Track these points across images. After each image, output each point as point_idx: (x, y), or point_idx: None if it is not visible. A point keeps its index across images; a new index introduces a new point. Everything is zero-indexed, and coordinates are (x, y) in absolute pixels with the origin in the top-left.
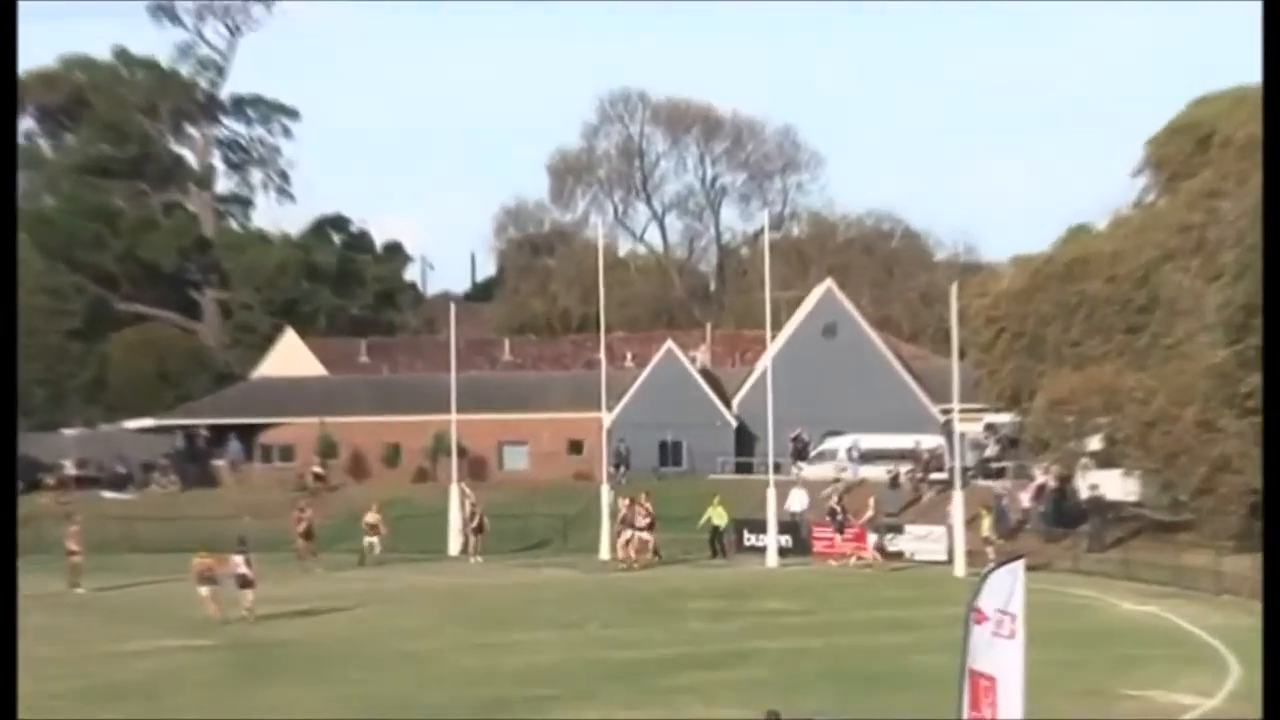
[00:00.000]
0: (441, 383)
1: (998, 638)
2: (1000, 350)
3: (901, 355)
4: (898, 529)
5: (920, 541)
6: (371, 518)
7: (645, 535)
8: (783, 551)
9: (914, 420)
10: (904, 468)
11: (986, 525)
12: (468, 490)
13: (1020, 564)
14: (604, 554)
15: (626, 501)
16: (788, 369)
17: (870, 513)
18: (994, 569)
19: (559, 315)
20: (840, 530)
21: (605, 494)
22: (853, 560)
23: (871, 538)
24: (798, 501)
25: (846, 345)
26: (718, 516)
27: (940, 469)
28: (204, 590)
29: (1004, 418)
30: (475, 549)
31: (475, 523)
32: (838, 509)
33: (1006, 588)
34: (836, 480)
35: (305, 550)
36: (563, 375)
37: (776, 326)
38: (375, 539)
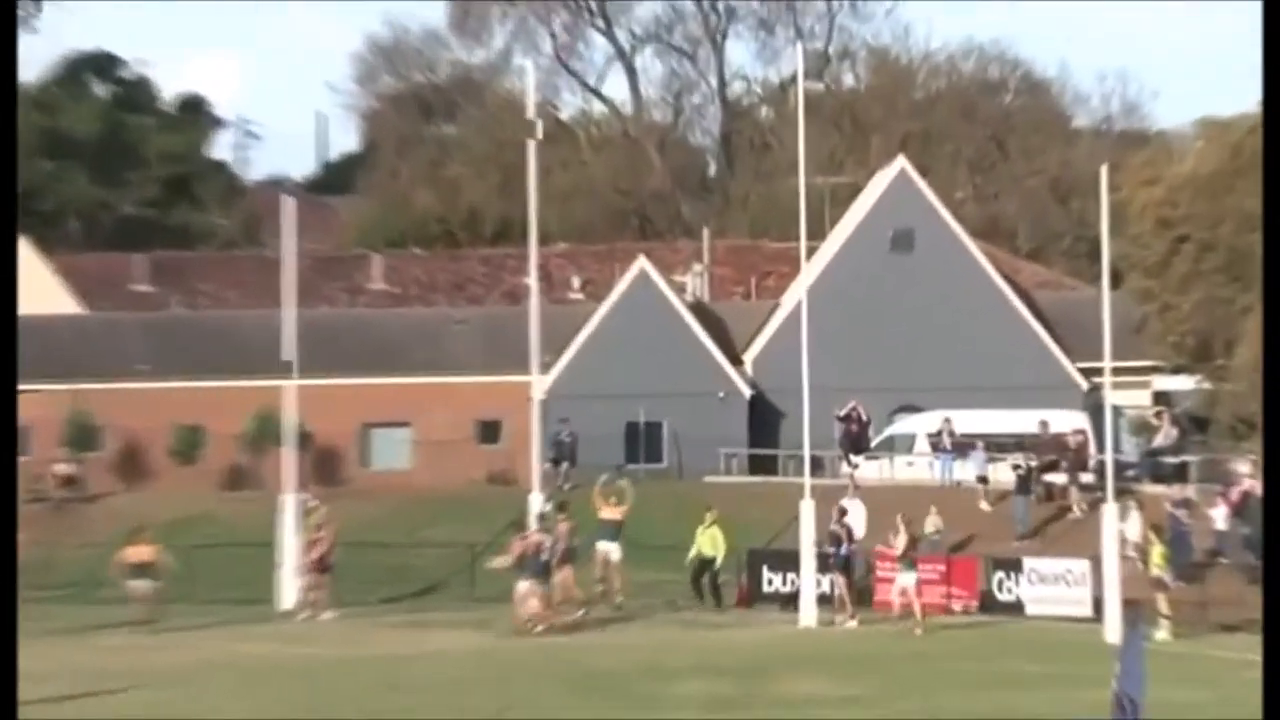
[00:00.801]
0: (269, 326)
1: None
2: (1180, 273)
3: (1018, 282)
4: (1011, 566)
5: (1048, 585)
6: (139, 553)
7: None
8: (825, 600)
9: (1039, 387)
10: (1033, 462)
11: (1157, 558)
12: (313, 502)
13: (1139, 613)
14: (534, 603)
15: (522, 537)
16: (835, 303)
17: (902, 538)
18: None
19: (463, 216)
20: (845, 569)
21: (536, 506)
22: (849, 622)
23: (905, 579)
24: (851, 520)
25: (929, 264)
26: (710, 545)
27: (1083, 466)
28: None
29: (1184, 382)
30: (321, 599)
31: (320, 555)
32: (839, 531)
33: (1132, 656)
34: (982, 481)
35: None
36: (469, 314)
37: (817, 235)
38: (146, 584)
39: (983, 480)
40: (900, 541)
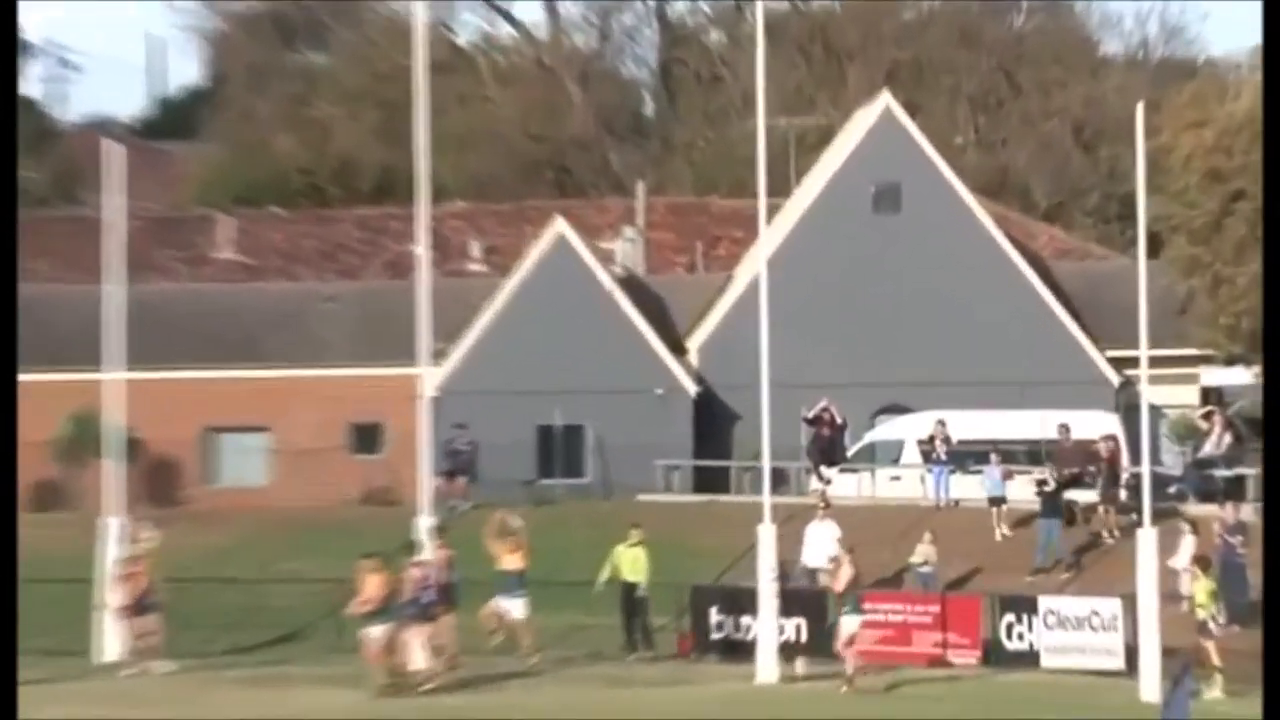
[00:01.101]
0: (89, 304)
1: None
2: (1235, 237)
3: (1033, 249)
4: (1023, 606)
5: (1070, 631)
6: None
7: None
8: (790, 650)
9: (1059, 382)
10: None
11: (1202, 596)
12: (144, 530)
13: (1184, 665)
14: (419, 657)
15: (406, 567)
16: (803, 277)
17: (845, 571)
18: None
19: (334, 167)
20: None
21: (424, 530)
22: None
23: (849, 623)
24: (821, 547)
25: (921, 227)
26: (631, 568)
27: (1115, 480)
28: None
29: (1240, 375)
30: (150, 647)
31: (136, 597)
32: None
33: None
34: (997, 502)
35: None
36: (342, 290)
37: (781, 191)
38: None
39: (998, 501)
40: (844, 575)
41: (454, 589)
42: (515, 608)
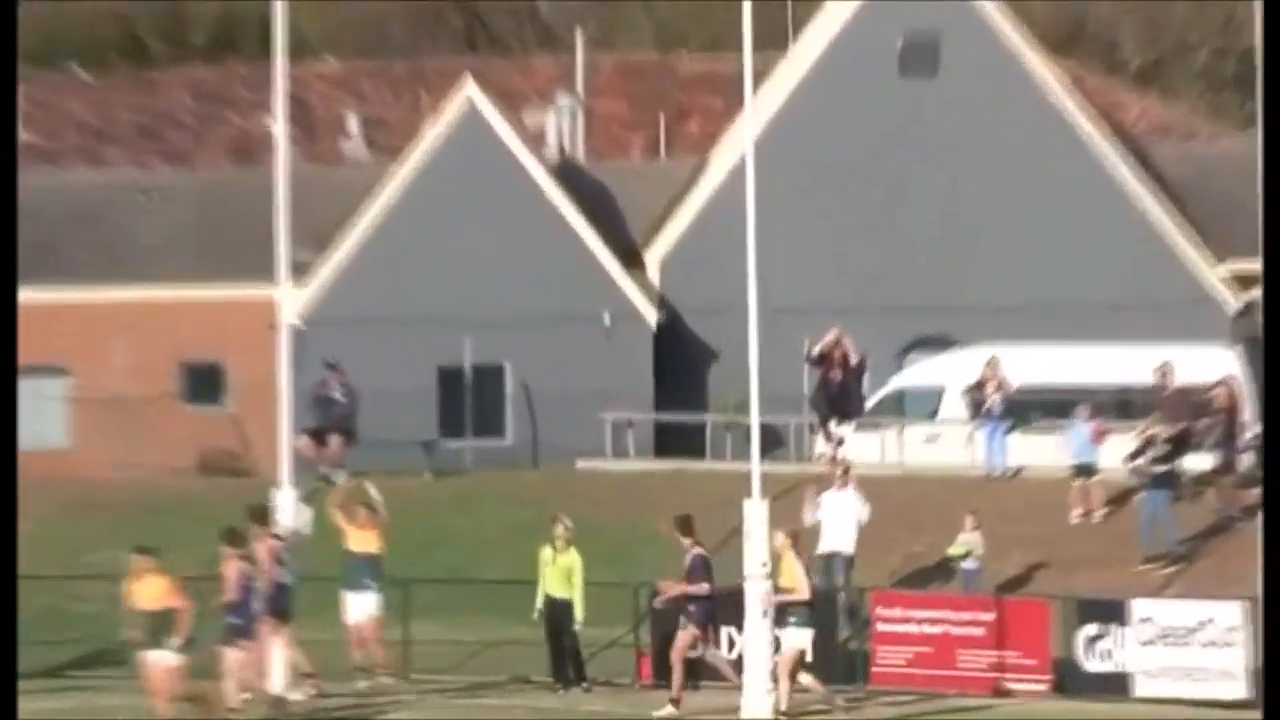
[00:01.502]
0: None
1: None
2: None
3: (1121, 124)
4: (1109, 613)
5: (1173, 646)
6: None
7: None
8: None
9: (1157, 305)
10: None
11: None
12: None
13: None
14: (281, 674)
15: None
16: (804, 164)
17: (793, 571)
18: None
19: (158, 13)
20: (704, 623)
21: (291, 509)
22: (667, 709)
23: (796, 637)
24: (844, 525)
25: (964, 95)
26: (563, 582)
27: (1235, 439)
28: None
29: None
30: None
31: None
32: (697, 557)
33: None
34: (1085, 472)
35: None
36: (168, 181)
37: (773, 43)
38: None
39: (1087, 471)
40: (794, 576)
41: (287, 592)
42: (364, 605)
